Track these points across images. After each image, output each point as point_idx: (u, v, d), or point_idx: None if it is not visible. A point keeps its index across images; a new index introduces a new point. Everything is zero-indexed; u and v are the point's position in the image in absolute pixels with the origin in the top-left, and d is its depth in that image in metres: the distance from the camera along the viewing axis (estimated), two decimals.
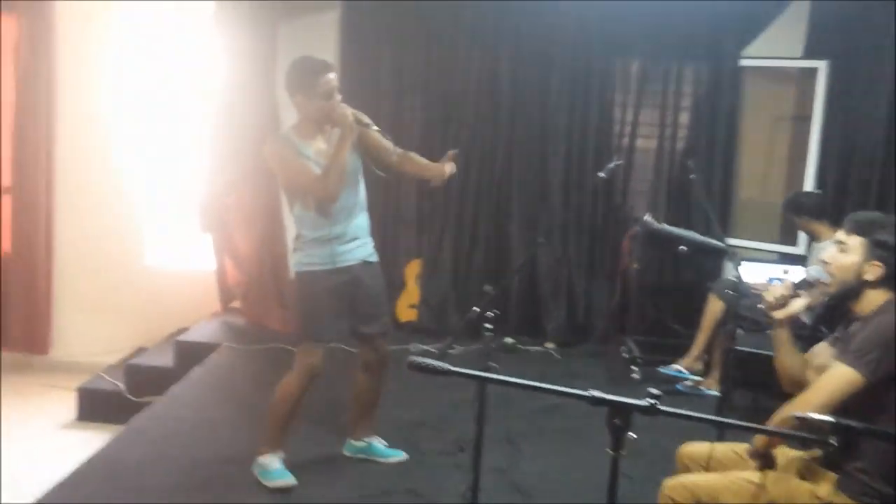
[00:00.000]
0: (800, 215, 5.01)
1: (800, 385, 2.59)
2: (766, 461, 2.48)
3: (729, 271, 5.70)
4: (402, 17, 6.05)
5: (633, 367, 5.24)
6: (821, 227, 4.92)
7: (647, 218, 5.38)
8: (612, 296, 5.99)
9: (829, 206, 5.15)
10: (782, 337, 2.60)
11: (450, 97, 6.09)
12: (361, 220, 3.64)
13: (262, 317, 5.94)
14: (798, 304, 2.53)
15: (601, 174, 4.20)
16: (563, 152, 6.06)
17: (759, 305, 2.63)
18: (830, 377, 2.31)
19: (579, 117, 6.03)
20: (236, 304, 6.20)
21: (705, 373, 5.18)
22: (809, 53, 5.76)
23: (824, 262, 2.50)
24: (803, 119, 5.83)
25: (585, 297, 6.15)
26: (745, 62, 5.88)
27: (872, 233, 2.39)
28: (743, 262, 5.45)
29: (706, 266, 5.88)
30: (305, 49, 5.90)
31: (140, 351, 6.12)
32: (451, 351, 4.56)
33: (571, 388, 1.87)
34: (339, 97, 3.46)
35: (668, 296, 6.01)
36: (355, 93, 6.00)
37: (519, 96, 6.05)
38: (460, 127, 6.07)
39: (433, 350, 5.58)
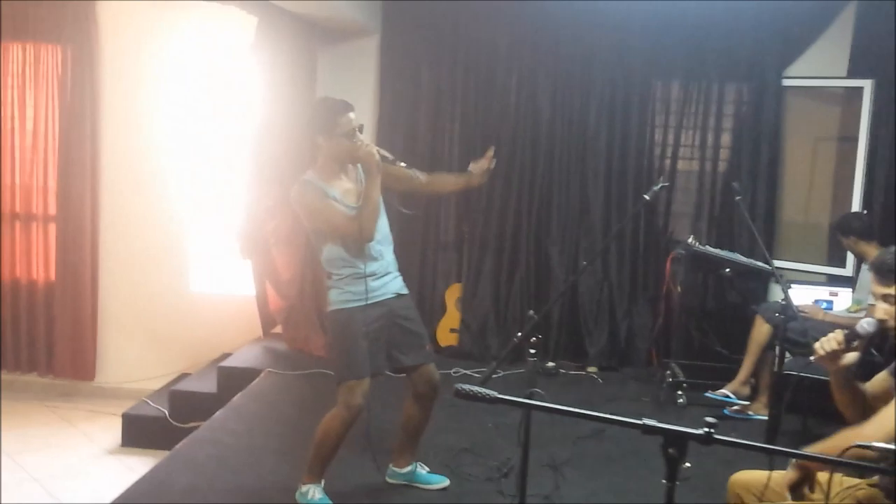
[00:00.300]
0: (848, 236, 4.92)
1: (865, 417, 2.53)
2: (800, 492, 2.41)
3: (775, 294, 5.64)
4: (441, 42, 6.09)
5: (678, 392, 5.16)
6: (870, 249, 4.83)
7: (690, 240, 5.31)
8: (654, 319, 5.92)
9: (878, 228, 5.06)
10: (839, 379, 2.52)
11: (489, 120, 6.09)
12: (390, 254, 3.66)
13: (304, 342, 5.95)
14: (850, 358, 2.46)
15: (646, 196, 4.15)
16: (603, 174, 6.04)
17: (811, 357, 2.53)
18: (893, 410, 2.24)
19: (619, 139, 6.01)
20: (278, 329, 6.22)
21: (752, 397, 5.09)
22: (854, 73, 5.68)
23: (881, 320, 2.41)
24: (848, 140, 5.74)
25: (627, 320, 6.09)
26: (787, 82, 5.81)
27: None
28: (791, 285, 5.38)
29: (750, 288, 5.81)
30: (345, 74, 6.08)
31: (183, 377, 6.17)
32: (494, 376, 4.53)
33: (615, 412, 1.84)
34: (360, 136, 3.46)
35: (712, 319, 5.92)
36: (395, 117, 6.12)
37: (559, 119, 6.04)
38: (500, 149, 6.05)
39: (477, 375, 5.57)
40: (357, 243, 3.45)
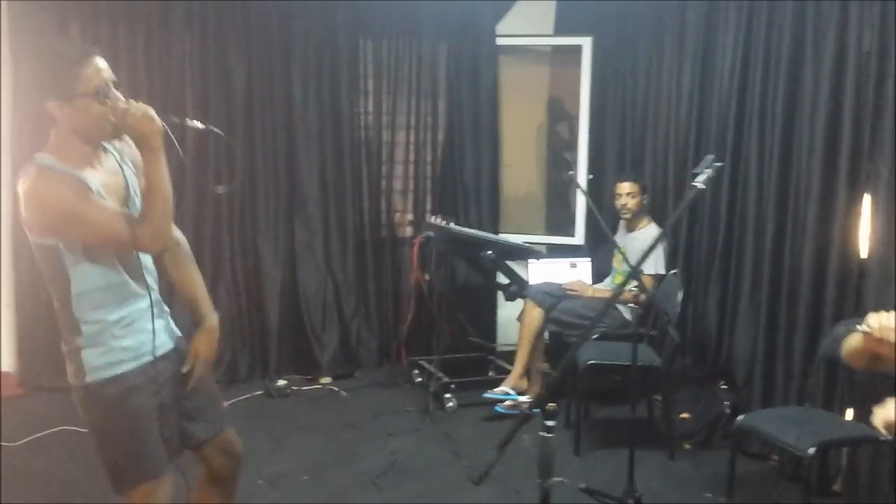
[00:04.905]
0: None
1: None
2: None
3: (516, 272, 5.14)
4: None
5: (446, 395, 4.49)
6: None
7: (438, 221, 4.65)
8: (403, 315, 5.25)
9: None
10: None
11: (169, 91, 4.80)
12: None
13: None
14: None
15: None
16: (316, 151, 5.12)
17: (858, 327, 1.89)
18: None
19: (329, 109, 5.13)
20: None
21: (530, 388, 4.57)
22: (561, 30, 5.40)
23: None
24: (566, 98, 5.47)
25: (357, 319, 5.28)
26: (501, 41, 5.37)
27: None
28: (531, 262, 4.97)
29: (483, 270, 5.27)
30: None
31: None
32: None
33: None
34: (118, 93, 2.15)
35: (463, 307, 5.27)
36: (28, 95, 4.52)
37: (257, 86, 4.98)
38: (183, 127, 4.82)
39: None
40: (131, 259, 2.21)
